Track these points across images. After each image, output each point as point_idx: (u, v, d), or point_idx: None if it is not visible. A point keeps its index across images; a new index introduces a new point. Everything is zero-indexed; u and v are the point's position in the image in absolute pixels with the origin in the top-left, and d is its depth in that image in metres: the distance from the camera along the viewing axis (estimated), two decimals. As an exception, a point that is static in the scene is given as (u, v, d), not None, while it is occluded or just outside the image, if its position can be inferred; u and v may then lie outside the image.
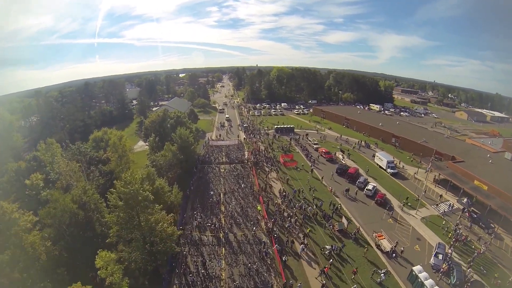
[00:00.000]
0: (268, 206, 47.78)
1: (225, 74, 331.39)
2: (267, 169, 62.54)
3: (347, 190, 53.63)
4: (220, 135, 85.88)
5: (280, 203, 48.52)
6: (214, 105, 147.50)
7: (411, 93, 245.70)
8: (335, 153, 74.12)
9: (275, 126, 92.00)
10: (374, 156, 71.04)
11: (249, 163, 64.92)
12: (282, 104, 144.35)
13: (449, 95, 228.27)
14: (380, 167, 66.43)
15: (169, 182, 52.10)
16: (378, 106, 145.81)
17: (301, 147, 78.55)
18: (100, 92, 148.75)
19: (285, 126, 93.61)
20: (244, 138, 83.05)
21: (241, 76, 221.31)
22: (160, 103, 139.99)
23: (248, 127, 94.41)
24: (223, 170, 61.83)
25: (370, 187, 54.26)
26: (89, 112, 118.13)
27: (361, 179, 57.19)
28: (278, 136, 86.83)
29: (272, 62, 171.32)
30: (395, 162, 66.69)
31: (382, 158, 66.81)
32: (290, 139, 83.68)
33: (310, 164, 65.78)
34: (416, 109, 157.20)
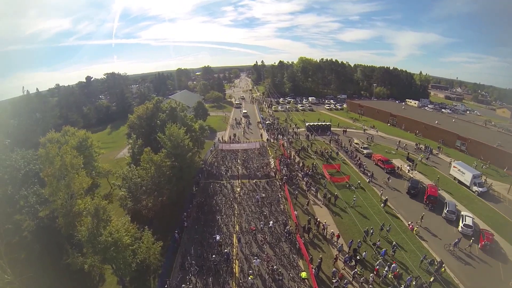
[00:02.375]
0: (320, 267, 26.07)
1: (243, 72, 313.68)
2: (306, 188, 40.91)
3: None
4: (235, 135, 64.27)
5: (343, 263, 26.81)
6: (229, 100, 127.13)
7: (442, 89, 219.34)
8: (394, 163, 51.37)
9: (307, 124, 69.99)
10: (450, 166, 48.72)
11: (277, 177, 43.58)
12: (310, 98, 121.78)
13: (481, 91, 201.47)
14: (460, 182, 44.92)
15: (148, 214, 31.80)
16: (416, 102, 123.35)
17: (345, 151, 56.43)
18: (104, 88, 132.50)
19: (319, 123, 71.33)
20: (268, 139, 61.55)
21: (260, 71, 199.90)
22: (168, 97, 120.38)
23: (271, 124, 72.85)
24: (238, 190, 40.63)
25: (468, 221, 32.77)
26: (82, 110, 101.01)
27: (450, 207, 35.54)
28: (313, 136, 64.82)
29: (290, 60, 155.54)
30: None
31: (463, 171, 44.41)
32: (330, 141, 61.63)
33: (367, 180, 43.90)
34: (455, 105, 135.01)
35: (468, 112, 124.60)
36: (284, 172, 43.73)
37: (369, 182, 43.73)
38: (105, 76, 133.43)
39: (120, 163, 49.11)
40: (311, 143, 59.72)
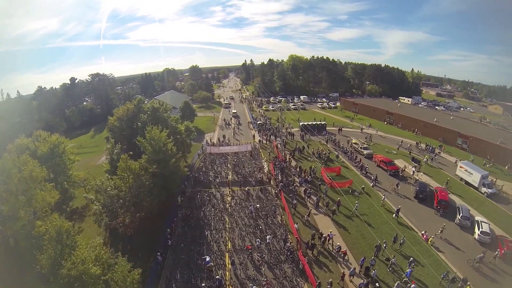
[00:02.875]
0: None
1: (231, 72, 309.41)
2: (305, 196, 36.91)
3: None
4: (224, 137, 60.09)
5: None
6: (218, 100, 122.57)
7: (433, 87, 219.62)
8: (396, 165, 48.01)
9: (301, 123, 66.24)
10: (456, 165, 45.80)
11: (273, 183, 39.55)
12: (302, 97, 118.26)
13: (470, 89, 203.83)
14: (467, 183, 41.86)
15: (126, 232, 27.52)
16: (409, 99, 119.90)
17: (343, 152, 52.84)
18: (89, 90, 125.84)
19: (314, 123, 67.59)
20: (260, 141, 57.41)
21: (249, 70, 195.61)
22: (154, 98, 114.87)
23: (263, 124, 68.82)
24: (228, 199, 36.31)
25: (485, 227, 29.53)
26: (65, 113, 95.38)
27: (463, 212, 32.24)
28: (308, 136, 61.08)
29: (279, 59, 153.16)
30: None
31: (471, 171, 41.38)
32: (327, 141, 58.04)
33: (370, 184, 40.32)
34: (448, 103, 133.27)
35: (462, 109, 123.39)
36: (279, 178, 39.68)
37: (373, 186, 40.11)
38: (89, 78, 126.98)
39: (100, 170, 44.22)
40: (307, 144, 55.86)
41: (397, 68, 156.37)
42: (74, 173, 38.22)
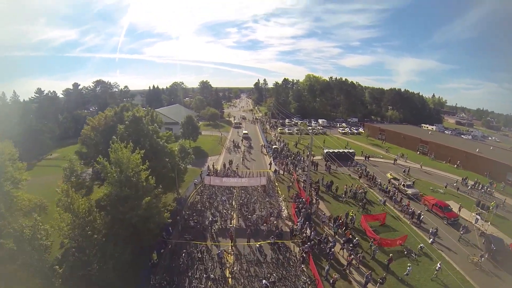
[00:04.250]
0: None
1: (243, 93, 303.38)
2: (347, 267, 23.80)
3: None
4: (231, 163, 47.68)
5: None
6: (228, 119, 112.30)
7: (449, 114, 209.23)
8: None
9: (326, 151, 54.33)
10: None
11: (296, 238, 27.06)
12: (320, 120, 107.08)
13: (486, 117, 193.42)
14: None
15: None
16: (433, 127, 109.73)
17: (381, 190, 40.63)
18: (92, 98, 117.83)
19: (341, 150, 55.53)
20: (276, 171, 45.18)
21: (261, 91, 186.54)
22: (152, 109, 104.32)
23: (279, 150, 56.94)
24: (230, 261, 23.84)
25: None
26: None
27: None
28: (333, 166, 49.01)
29: (294, 79, 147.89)
30: None
31: None
32: (360, 176, 45.85)
33: (429, 240, 27.90)
34: (472, 131, 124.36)
35: (490, 138, 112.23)
36: (307, 231, 27.18)
37: (432, 243, 27.61)
38: (93, 84, 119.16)
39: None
40: (332, 176, 43.55)
41: (418, 93, 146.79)
42: (24, 195, 26.87)
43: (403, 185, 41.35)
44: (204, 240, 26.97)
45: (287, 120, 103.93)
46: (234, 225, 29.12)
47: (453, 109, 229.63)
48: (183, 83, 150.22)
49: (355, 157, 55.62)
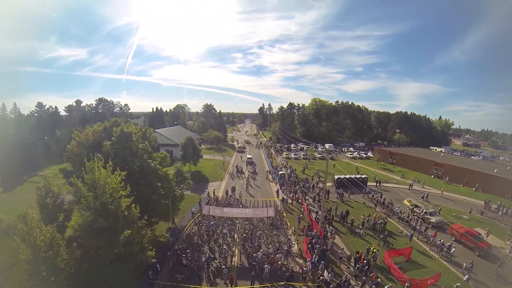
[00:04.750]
0: None
1: (247, 118, 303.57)
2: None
3: None
4: (234, 189, 43.41)
5: None
6: (231, 143, 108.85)
7: (455, 136, 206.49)
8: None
9: (337, 177, 49.99)
10: None
11: (309, 282, 22.22)
12: (327, 145, 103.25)
13: (490, 138, 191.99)
14: None
15: None
16: (441, 149, 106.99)
17: (400, 219, 36.14)
18: (94, 116, 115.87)
19: (353, 176, 51.07)
20: (284, 200, 40.18)
21: (266, 116, 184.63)
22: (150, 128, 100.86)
23: (286, 176, 52.58)
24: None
25: None
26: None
27: None
28: (345, 194, 44.57)
29: (300, 103, 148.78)
30: None
31: None
32: (375, 204, 41.21)
33: (464, 277, 23.07)
34: (481, 152, 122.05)
35: (501, 158, 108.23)
36: (324, 274, 22.35)
37: (467, 280, 22.81)
38: (95, 102, 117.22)
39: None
40: (345, 204, 38.85)
41: (425, 116, 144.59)
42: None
43: (426, 212, 36.82)
44: (199, 281, 22.30)
45: (292, 145, 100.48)
46: (236, 264, 24.43)
47: (457, 131, 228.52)
48: (186, 106, 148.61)
49: (368, 183, 51.32)
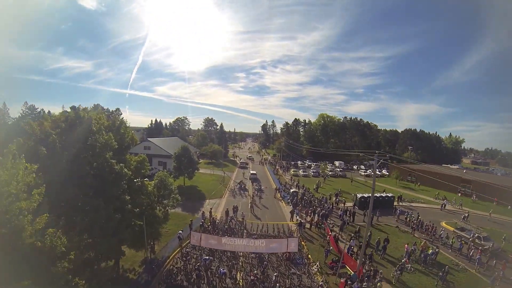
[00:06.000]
0: None
1: (248, 137, 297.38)
2: None
3: None
4: (236, 210, 33.98)
5: None
6: (232, 159, 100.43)
7: (462, 155, 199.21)
8: None
9: (359, 196, 41.36)
10: None
11: None
12: (337, 162, 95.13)
13: (497, 156, 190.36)
14: None
15: None
16: (456, 166, 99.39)
17: (444, 245, 28.56)
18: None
19: (377, 195, 42.47)
20: (300, 224, 30.37)
21: (268, 133, 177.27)
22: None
23: (299, 195, 43.53)
24: None
25: None
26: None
27: None
28: (377, 217, 35.83)
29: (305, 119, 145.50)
30: None
31: None
32: (413, 228, 32.54)
33: None
34: (493, 169, 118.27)
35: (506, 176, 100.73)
36: None
37: None
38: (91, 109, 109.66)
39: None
40: (375, 228, 30.02)
41: (435, 133, 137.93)
42: None
43: (478, 237, 29.07)
44: None
45: (299, 162, 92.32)
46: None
47: (462, 151, 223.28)
48: (186, 119, 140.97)
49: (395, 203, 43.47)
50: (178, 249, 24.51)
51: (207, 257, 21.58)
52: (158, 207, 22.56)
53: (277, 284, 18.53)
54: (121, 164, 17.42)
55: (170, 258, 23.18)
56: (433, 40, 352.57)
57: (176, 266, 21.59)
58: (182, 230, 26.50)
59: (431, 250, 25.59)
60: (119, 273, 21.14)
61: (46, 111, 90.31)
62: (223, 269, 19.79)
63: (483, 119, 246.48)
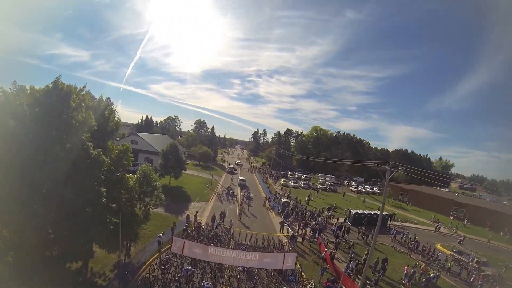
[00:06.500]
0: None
1: (238, 144, 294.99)
2: None
3: None
4: (223, 216, 31.43)
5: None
6: (221, 163, 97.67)
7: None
8: None
9: (353, 212, 39.50)
10: None
11: None
12: (327, 176, 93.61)
13: (483, 183, 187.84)
14: None
15: None
16: (446, 190, 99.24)
17: (446, 269, 26.79)
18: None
19: (372, 212, 40.80)
20: (293, 237, 27.70)
21: (258, 141, 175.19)
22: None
23: (290, 206, 40.88)
24: None
25: None
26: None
27: None
28: (364, 234, 33.82)
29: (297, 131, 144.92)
30: None
31: None
32: (410, 249, 30.75)
33: None
34: (481, 195, 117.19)
35: (505, 202, 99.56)
36: None
37: None
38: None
39: None
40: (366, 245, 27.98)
41: (426, 155, 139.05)
42: None
43: (478, 262, 28.28)
44: None
45: (289, 172, 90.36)
46: None
47: (450, 175, 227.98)
48: (177, 118, 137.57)
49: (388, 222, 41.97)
50: (157, 254, 21.81)
51: (189, 268, 18.90)
52: (138, 205, 19.95)
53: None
54: (99, 150, 14.86)
55: (147, 264, 20.44)
56: (428, 65, 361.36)
57: (152, 274, 18.89)
58: (163, 233, 23.83)
59: (432, 274, 23.98)
60: (87, 277, 18.42)
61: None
62: (207, 283, 17.05)
63: (471, 146, 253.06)
